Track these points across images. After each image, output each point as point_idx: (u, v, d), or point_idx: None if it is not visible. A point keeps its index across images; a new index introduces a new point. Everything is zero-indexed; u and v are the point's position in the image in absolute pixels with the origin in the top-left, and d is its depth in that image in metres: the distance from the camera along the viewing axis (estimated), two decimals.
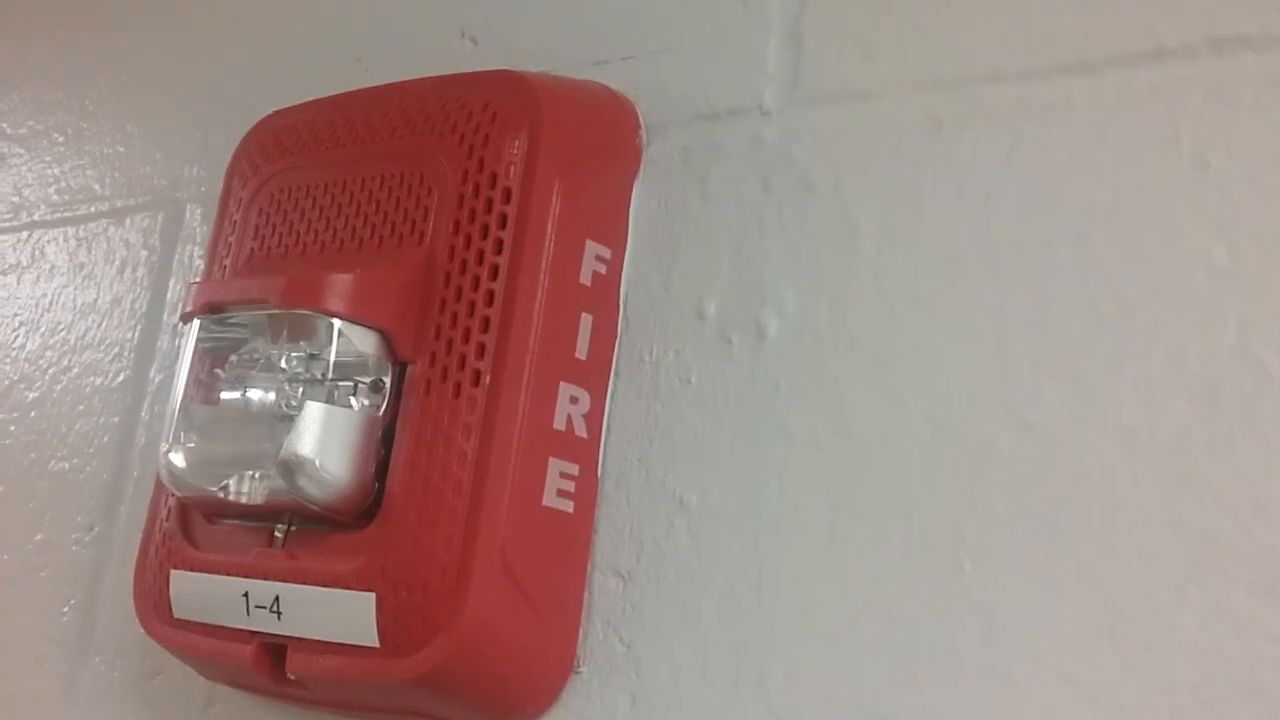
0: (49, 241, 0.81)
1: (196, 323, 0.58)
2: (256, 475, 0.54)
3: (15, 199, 0.84)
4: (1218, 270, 0.45)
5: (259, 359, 0.56)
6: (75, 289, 0.79)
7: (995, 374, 0.48)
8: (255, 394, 0.56)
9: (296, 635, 0.54)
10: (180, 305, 0.62)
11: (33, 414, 0.77)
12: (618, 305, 0.57)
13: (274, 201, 0.62)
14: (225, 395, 0.57)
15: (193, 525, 0.59)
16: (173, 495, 0.59)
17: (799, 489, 0.51)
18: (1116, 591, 0.43)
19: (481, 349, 0.53)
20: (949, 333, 0.49)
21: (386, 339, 0.54)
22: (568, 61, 0.63)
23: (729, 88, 0.58)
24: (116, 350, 0.75)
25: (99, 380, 0.76)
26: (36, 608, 0.72)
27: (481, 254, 0.55)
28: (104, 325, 0.77)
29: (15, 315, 0.81)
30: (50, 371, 0.78)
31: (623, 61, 0.61)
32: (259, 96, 0.67)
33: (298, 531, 0.55)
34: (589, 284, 0.56)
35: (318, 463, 0.52)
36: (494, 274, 0.54)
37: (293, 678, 0.55)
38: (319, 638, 0.54)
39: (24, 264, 0.81)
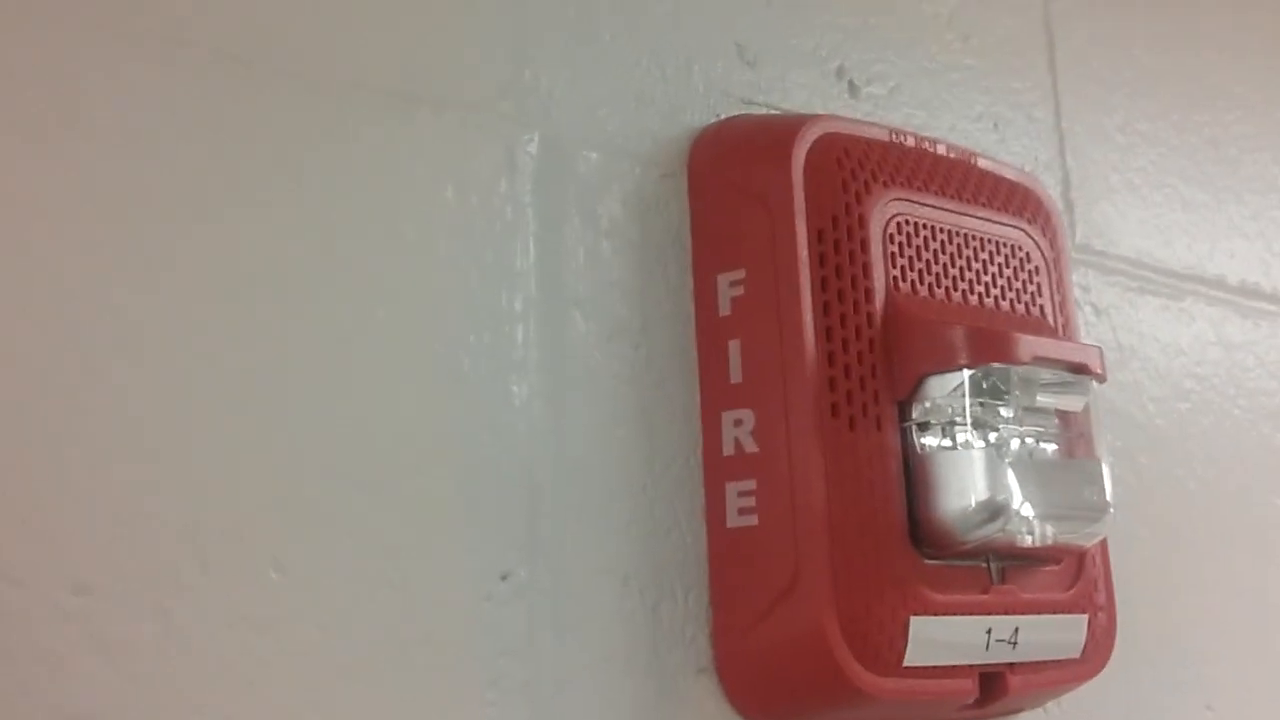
0: None
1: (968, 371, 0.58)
2: (1070, 523, 0.60)
3: None
4: None
5: (1018, 408, 0.60)
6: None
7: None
8: (1038, 443, 0.60)
9: (1024, 660, 0.61)
10: (952, 345, 0.58)
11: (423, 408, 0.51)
12: None
13: (903, 231, 0.62)
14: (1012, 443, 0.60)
15: (916, 569, 0.58)
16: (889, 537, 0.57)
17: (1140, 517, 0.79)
18: None
19: None
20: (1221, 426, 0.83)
21: None
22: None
23: None
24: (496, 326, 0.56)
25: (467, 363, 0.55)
26: (435, 694, 0.51)
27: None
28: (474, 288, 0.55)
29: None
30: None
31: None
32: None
33: (1005, 567, 0.62)
34: None
35: None
36: None
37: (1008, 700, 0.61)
38: (1040, 659, 0.62)
39: None
